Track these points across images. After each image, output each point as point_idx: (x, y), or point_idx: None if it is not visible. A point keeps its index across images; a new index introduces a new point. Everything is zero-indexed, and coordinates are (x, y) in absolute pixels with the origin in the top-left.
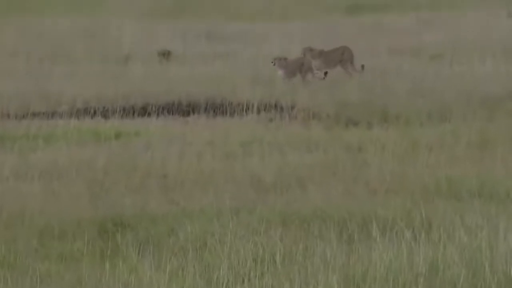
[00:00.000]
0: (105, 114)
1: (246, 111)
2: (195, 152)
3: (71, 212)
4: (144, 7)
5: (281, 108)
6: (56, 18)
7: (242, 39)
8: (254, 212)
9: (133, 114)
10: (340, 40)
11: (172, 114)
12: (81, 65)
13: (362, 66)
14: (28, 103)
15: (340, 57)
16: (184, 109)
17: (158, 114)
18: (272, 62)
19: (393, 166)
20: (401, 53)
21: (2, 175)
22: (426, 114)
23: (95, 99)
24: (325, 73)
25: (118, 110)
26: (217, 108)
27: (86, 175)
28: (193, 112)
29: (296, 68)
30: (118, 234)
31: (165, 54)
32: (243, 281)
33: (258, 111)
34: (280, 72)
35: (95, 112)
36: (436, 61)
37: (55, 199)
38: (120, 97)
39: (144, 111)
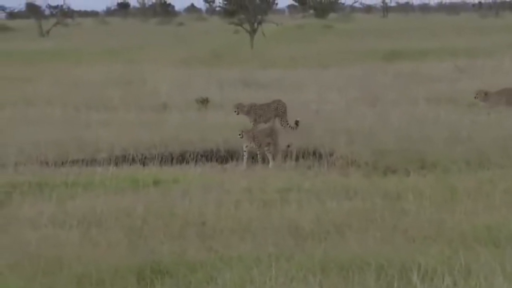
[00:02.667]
0: (144, 162)
1: (284, 158)
2: (233, 199)
3: (109, 259)
4: (180, 55)
5: (320, 155)
6: (92, 65)
7: (278, 86)
8: (293, 260)
9: (171, 161)
10: (377, 88)
11: (210, 161)
12: (118, 112)
13: (296, 122)
14: (66, 150)
15: (275, 111)
16: (222, 156)
17: (196, 162)
18: (239, 134)
19: (431, 213)
20: (438, 100)
21: (40, 223)
22: (463, 161)
23: (133, 146)
24: (296, 122)
25: (156, 157)
26: (255, 156)
27: (124, 222)
28: (231, 160)
29: (265, 137)
30: (156, 282)
31: (204, 102)
32: None
33: (297, 159)
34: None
35: (133, 160)
36: (473, 108)
37: (93, 246)
38: (158, 144)
39: (182, 158)
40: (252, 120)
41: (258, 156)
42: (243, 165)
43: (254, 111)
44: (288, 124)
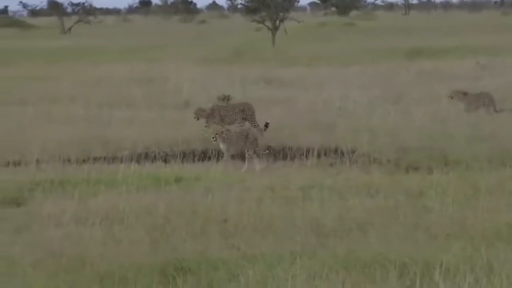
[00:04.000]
0: (166, 159)
1: (306, 156)
2: (255, 197)
3: (131, 257)
4: (202, 53)
5: (342, 153)
6: (114, 63)
7: (300, 84)
8: (315, 257)
9: (193, 158)
10: (399, 86)
11: (232, 158)
12: (141, 110)
13: (266, 125)
14: (88, 148)
15: (241, 114)
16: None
17: (218, 159)
18: (213, 137)
19: (453, 211)
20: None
21: (63, 220)
22: (486, 159)
23: (155, 144)
24: (266, 125)
25: (178, 155)
26: (277, 153)
27: (147, 220)
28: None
29: (241, 141)
30: (179, 279)
31: (225, 99)
32: None
33: (318, 156)
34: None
35: (155, 157)
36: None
37: (116, 244)
38: (180, 142)
39: (204, 156)
40: (213, 122)
41: (224, 157)
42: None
43: (218, 112)
44: (257, 126)
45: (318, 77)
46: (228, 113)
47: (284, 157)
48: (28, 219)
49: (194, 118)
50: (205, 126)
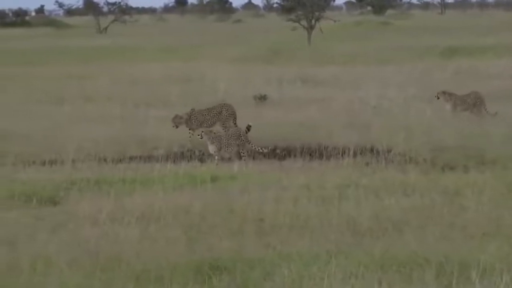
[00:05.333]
0: (202, 158)
1: (342, 155)
2: (291, 196)
3: (167, 256)
4: (238, 52)
5: (377, 152)
6: (150, 63)
7: (337, 83)
8: (351, 256)
9: (229, 158)
10: (435, 84)
11: (268, 158)
12: (177, 109)
13: (248, 127)
14: (124, 147)
15: (218, 116)
16: (280, 153)
17: (254, 158)
18: (198, 135)
19: (490, 210)
20: (496, 97)
21: (99, 219)
22: None
23: (191, 143)
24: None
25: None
26: (313, 152)
27: (183, 219)
28: (289, 156)
29: (234, 140)
30: (214, 278)
31: (262, 99)
32: None
33: (354, 155)
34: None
35: (191, 156)
36: None
37: (152, 243)
38: None
39: (240, 155)
40: (193, 127)
41: (216, 158)
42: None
43: (195, 118)
44: (228, 128)
45: (354, 76)
46: (206, 117)
47: (320, 156)
48: (64, 218)
49: (173, 126)
50: (189, 131)
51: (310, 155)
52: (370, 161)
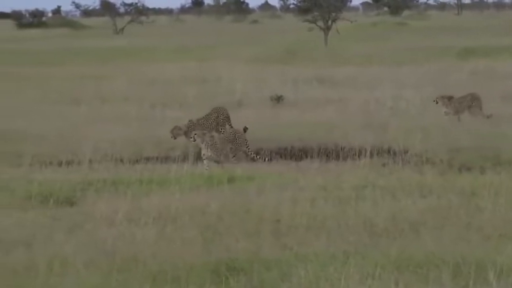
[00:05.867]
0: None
1: (358, 155)
2: (308, 197)
3: (184, 257)
4: (254, 53)
5: (394, 153)
6: (166, 63)
7: (353, 83)
8: (368, 257)
9: (246, 158)
10: (451, 86)
11: (285, 158)
12: (193, 110)
13: (245, 129)
14: (141, 148)
15: (216, 121)
16: (297, 153)
17: (270, 159)
18: (191, 137)
19: (506, 211)
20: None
21: (115, 220)
22: None
23: None
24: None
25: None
26: (330, 153)
27: (199, 220)
28: (306, 157)
29: (228, 143)
30: (231, 279)
31: (278, 99)
32: None
33: (371, 156)
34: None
35: None
36: None
37: (168, 244)
38: None
39: (256, 156)
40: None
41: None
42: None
43: (193, 129)
44: (222, 131)
45: (371, 76)
46: (204, 126)
47: (337, 157)
48: (81, 219)
49: (171, 137)
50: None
51: (327, 155)
52: (386, 161)
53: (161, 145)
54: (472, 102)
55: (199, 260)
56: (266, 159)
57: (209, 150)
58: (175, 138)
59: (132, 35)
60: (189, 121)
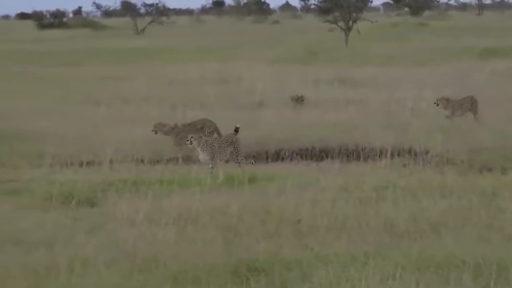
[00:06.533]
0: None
1: (379, 156)
2: (328, 197)
3: (204, 257)
4: (275, 53)
5: (415, 153)
6: (187, 64)
7: (374, 84)
8: (388, 258)
9: (267, 159)
10: (472, 86)
11: (305, 159)
12: (214, 110)
13: (236, 129)
14: (161, 148)
15: (201, 131)
16: (318, 154)
17: (291, 159)
18: (187, 140)
19: None
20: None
21: (136, 220)
22: None
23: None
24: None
25: (251, 155)
26: (351, 153)
27: (220, 220)
28: (326, 157)
29: (227, 147)
30: (252, 280)
31: (299, 100)
32: None
33: (392, 156)
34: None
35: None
36: None
37: (189, 244)
38: (254, 142)
39: (277, 156)
40: (177, 142)
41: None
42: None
43: (176, 134)
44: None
45: (391, 77)
46: (188, 133)
47: (358, 157)
48: (102, 219)
49: (152, 131)
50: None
51: (348, 156)
52: (407, 162)
53: (182, 145)
54: (472, 105)
55: (220, 260)
56: (253, 162)
57: (204, 153)
58: (156, 133)
59: (152, 35)
60: (175, 124)
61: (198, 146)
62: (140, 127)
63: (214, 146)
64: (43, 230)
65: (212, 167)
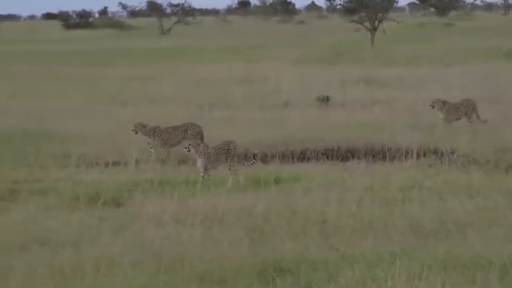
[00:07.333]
0: (265, 159)
1: (405, 156)
2: (354, 197)
3: (230, 257)
4: (301, 54)
5: (441, 154)
6: (213, 64)
7: (400, 84)
8: (414, 258)
9: (292, 159)
10: (499, 86)
11: (331, 159)
12: (240, 111)
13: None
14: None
15: (184, 134)
16: (343, 154)
17: (317, 159)
18: (185, 148)
19: None
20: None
21: (162, 221)
22: None
23: (255, 144)
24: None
25: (277, 155)
26: (376, 154)
27: (246, 221)
28: (352, 158)
29: (222, 156)
30: (278, 280)
31: (325, 100)
32: None
33: (418, 156)
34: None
35: (255, 158)
36: None
37: (215, 244)
38: (279, 142)
39: (303, 156)
40: (159, 144)
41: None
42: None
43: (159, 135)
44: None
45: (417, 77)
46: (171, 135)
47: (384, 158)
48: (128, 220)
49: (132, 130)
50: (151, 148)
51: (374, 156)
52: (433, 162)
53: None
54: (468, 108)
55: (246, 261)
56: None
57: (201, 159)
58: (136, 133)
59: (178, 35)
60: (156, 126)
61: (196, 154)
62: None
63: (210, 154)
64: (70, 230)
65: (203, 176)
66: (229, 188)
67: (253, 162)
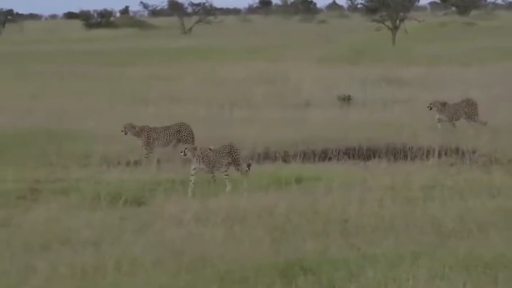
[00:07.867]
0: (286, 159)
1: (426, 155)
2: (375, 196)
3: (252, 257)
4: (322, 53)
5: (462, 153)
6: (234, 63)
7: (421, 83)
8: (435, 257)
9: (314, 158)
10: None
11: (353, 158)
12: (261, 110)
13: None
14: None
15: (177, 135)
16: (365, 153)
17: (338, 159)
18: (181, 152)
19: None
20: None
21: (184, 220)
22: None
23: (276, 144)
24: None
25: (298, 154)
26: (398, 153)
27: (267, 220)
28: (374, 157)
29: (222, 158)
30: (299, 279)
31: (346, 99)
32: None
33: (439, 156)
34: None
35: (275, 157)
36: None
37: (236, 244)
38: (301, 141)
39: (324, 156)
40: (143, 143)
41: (212, 177)
42: (188, 192)
43: (146, 134)
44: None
45: (439, 76)
46: (160, 135)
47: (405, 157)
48: (150, 219)
49: (122, 131)
50: (142, 146)
51: (395, 155)
52: (454, 162)
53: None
54: (467, 108)
55: (267, 260)
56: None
57: (201, 163)
58: (125, 134)
59: (200, 35)
60: (144, 126)
61: (193, 157)
62: None
63: (210, 157)
64: (91, 230)
65: (193, 183)
66: (246, 188)
67: (247, 171)
